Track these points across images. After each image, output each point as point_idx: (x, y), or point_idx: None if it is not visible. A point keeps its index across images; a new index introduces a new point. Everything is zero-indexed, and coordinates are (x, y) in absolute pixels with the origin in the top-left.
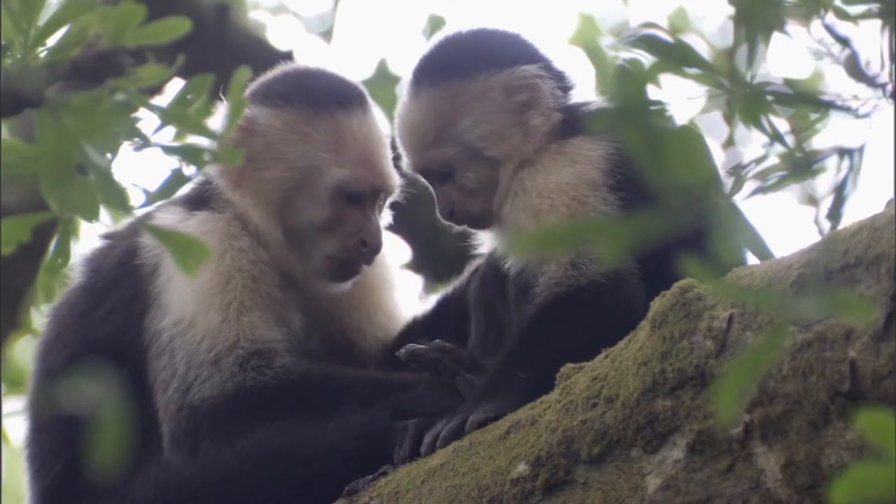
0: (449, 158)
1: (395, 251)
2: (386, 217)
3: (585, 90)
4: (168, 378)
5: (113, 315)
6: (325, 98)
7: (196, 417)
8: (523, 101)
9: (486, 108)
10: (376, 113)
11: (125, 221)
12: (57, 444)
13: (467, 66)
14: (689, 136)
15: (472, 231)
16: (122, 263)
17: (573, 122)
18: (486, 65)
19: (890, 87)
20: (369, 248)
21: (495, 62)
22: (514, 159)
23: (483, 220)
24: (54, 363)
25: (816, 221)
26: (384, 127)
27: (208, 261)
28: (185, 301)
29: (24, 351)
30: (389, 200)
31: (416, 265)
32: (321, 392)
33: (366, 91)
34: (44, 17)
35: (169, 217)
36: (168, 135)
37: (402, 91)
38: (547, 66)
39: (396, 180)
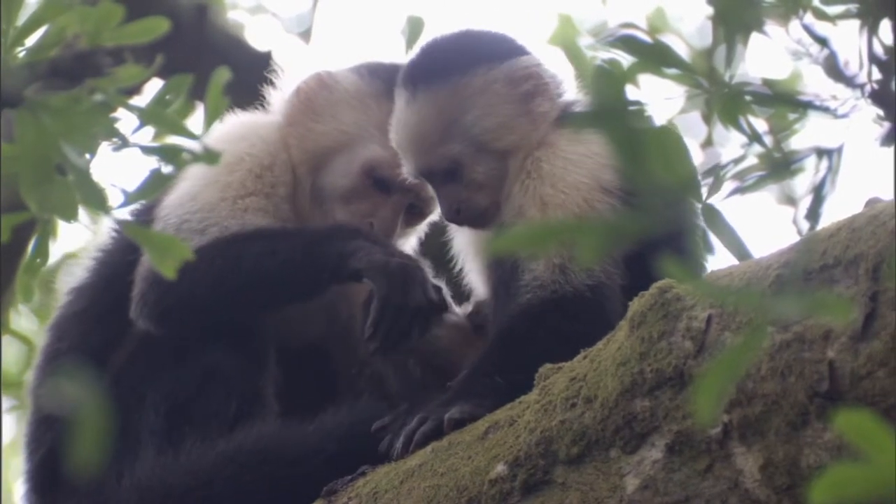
0: (456, 155)
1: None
2: (420, 229)
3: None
4: None
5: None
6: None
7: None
8: (528, 90)
9: (489, 100)
10: None
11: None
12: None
13: (464, 64)
14: (668, 137)
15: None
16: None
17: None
18: (483, 60)
19: (868, 88)
20: None
21: (492, 56)
22: (525, 148)
23: (489, 214)
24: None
25: (795, 222)
26: None
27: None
28: (191, 177)
29: (4, 351)
30: (429, 215)
31: None
32: (275, 241)
33: None
34: (22, 17)
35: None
36: (147, 135)
37: (396, 100)
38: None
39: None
